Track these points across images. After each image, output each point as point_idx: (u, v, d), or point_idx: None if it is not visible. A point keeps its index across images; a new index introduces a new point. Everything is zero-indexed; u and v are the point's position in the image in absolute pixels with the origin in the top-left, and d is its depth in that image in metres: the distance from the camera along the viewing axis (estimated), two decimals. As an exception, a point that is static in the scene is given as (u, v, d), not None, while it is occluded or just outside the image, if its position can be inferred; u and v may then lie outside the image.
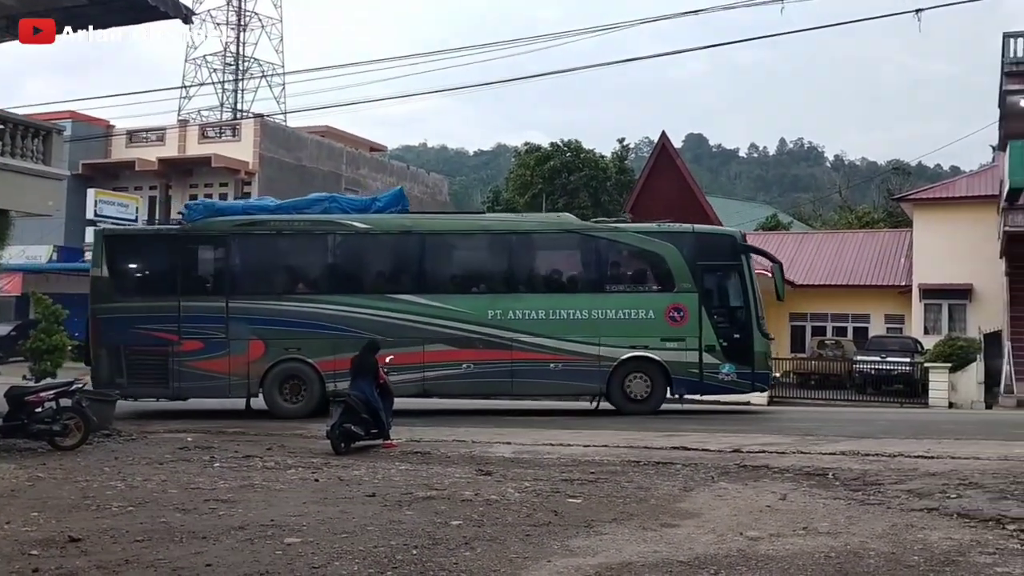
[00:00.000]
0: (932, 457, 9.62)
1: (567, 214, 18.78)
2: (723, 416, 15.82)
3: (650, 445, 10.94)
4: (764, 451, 10.34)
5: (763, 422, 14.67)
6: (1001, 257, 26.16)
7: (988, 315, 27.07)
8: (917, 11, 13.96)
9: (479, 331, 16.21)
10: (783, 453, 10.16)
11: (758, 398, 19.73)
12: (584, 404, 17.35)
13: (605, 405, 16.56)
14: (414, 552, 5.68)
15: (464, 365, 16.17)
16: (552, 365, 16.12)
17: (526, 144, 54.49)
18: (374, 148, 47.34)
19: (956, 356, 22.91)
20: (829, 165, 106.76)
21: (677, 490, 7.87)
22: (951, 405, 20.96)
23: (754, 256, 17.01)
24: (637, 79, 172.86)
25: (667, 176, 32.67)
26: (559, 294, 16.80)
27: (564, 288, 16.99)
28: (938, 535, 5.92)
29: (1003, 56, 24.76)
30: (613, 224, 18.09)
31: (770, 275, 17.44)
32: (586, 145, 50.01)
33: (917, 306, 30.51)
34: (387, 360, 13.76)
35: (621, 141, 55.38)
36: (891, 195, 45.40)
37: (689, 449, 10.52)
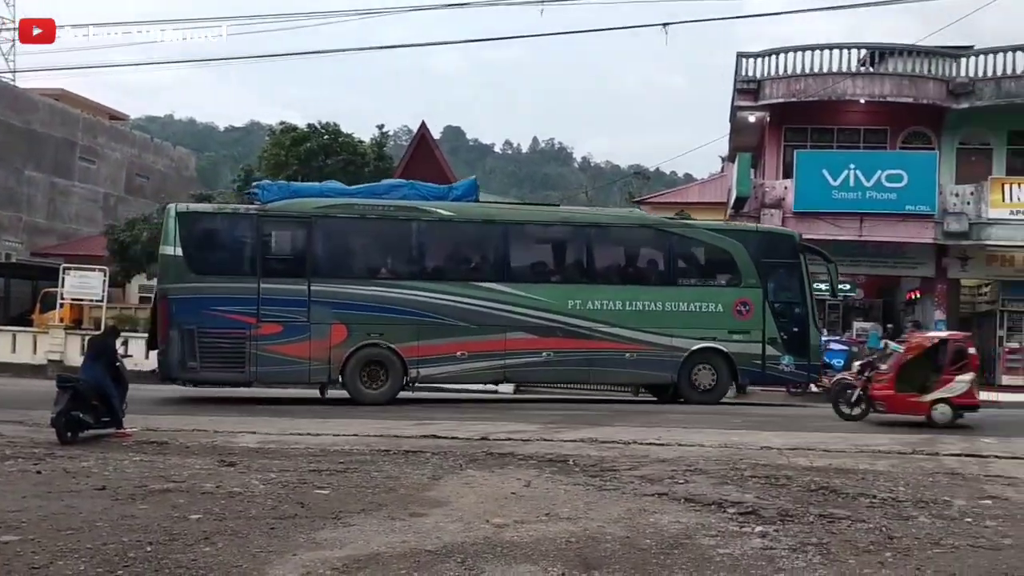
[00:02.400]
0: (662, 444, 10.26)
1: (636, 209, 19.02)
2: (475, 405, 16.10)
3: (401, 434, 10.94)
4: (510, 439, 10.61)
5: (510, 411, 15.07)
6: (727, 260, 28.29)
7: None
8: (664, 24, 14.86)
9: (559, 320, 16.45)
10: (528, 441, 10.47)
11: (505, 387, 20.25)
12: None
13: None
14: (148, 549, 5.35)
15: (544, 353, 16.46)
16: (628, 355, 16.58)
17: (282, 123, 52.77)
18: (114, 116, 44.27)
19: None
20: (577, 166, 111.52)
21: (426, 479, 7.91)
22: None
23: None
24: (398, 67, 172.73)
25: (426, 166, 32.87)
26: (636, 286, 17.25)
27: (640, 280, 17.51)
28: (668, 519, 6.31)
29: (736, 74, 26.85)
30: (684, 220, 18.81)
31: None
32: (345, 129, 49.19)
33: (653, 302, 32.45)
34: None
35: (380, 128, 54.94)
36: (632, 198, 48.02)
37: (439, 437, 10.61)
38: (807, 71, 25.96)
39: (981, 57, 25.91)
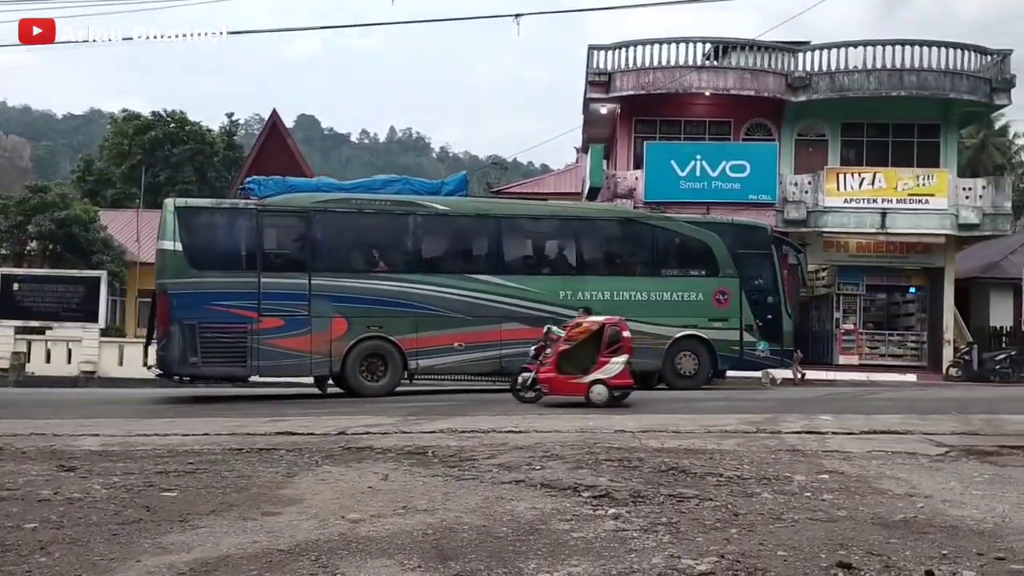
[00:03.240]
0: (520, 432, 10.33)
1: (619, 204, 20.85)
2: (332, 400, 15.88)
3: (254, 431, 10.65)
4: (368, 432, 10.48)
5: (367, 404, 14.90)
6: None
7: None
8: (517, 15, 14.96)
9: (551, 310, 16.86)
10: (386, 433, 10.37)
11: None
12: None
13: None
14: (-24, 563, 5.01)
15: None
16: None
17: (124, 111, 50.79)
18: (-61, 102, 41.35)
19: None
20: (435, 156, 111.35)
21: (280, 476, 7.72)
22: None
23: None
24: (250, 54, 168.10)
25: (278, 155, 32.14)
26: (622, 277, 18.19)
27: (626, 271, 18.46)
28: (524, 506, 6.36)
29: (587, 67, 27.34)
30: (666, 213, 19.49)
31: None
32: (192, 117, 47.64)
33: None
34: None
35: (230, 116, 53.67)
36: (490, 188, 48.36)
37: (294, 434, 10.37)
38: (655, 64, 26.74)
39: (816, 52, 27.30)
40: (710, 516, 6.03)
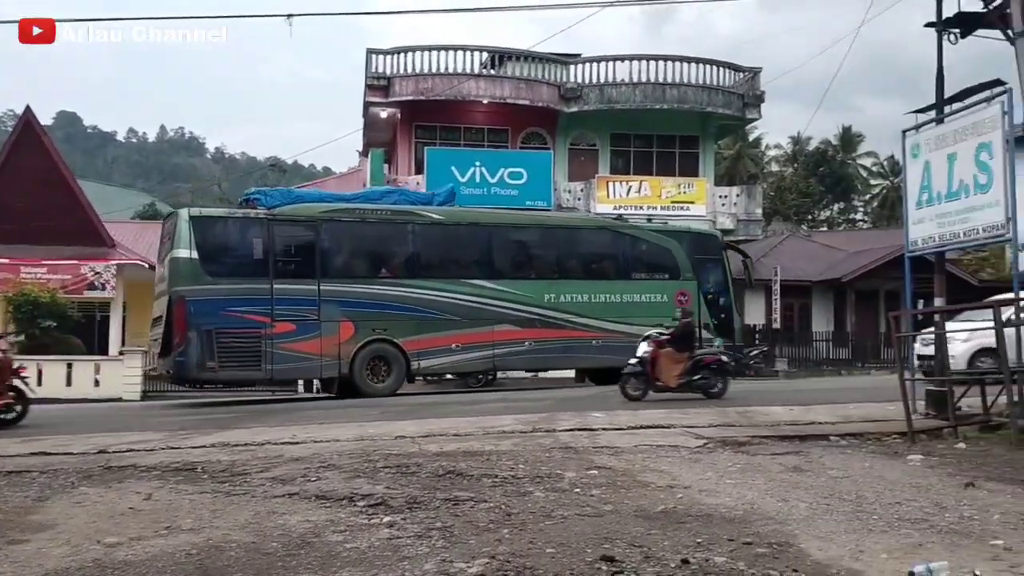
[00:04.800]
0: (297, 443, 10.09)
1: (591, 213, 22.27)
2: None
3: (3, 452, 9.81)
4: (132, 450, 9.89)
5: (134, 420, 14.13)
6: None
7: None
8: (288, 16, 14.64)
9: (538, 312, 18.54)
10: (152, 450, 9.84)
11: (130, 394, 19.17)
12: None
13: None
14: None
15: (527, 343, 18.44)
16: (594, 342, 18.87)
17: None
18: None
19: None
20: (210, 157, 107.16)
21: (30, 501, 7.15)
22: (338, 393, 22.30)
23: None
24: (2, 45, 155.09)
25: (32, 155, 29.79)
26: (599, 280, 19.59)
27: (602, 275, 19.85)
28: (297, 519, 6.21)
29: (367, 70, 27.20)
30: (634, 223, 20.81)
31: None
32: (-70, 111, 43.35)
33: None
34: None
35: (-24, 111, 49.29)
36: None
37: (49, 454, 9.64)
38: (434, 70, 27.00)
39: (587, 65, 28.48)
40: (484, 518, 6.11)
